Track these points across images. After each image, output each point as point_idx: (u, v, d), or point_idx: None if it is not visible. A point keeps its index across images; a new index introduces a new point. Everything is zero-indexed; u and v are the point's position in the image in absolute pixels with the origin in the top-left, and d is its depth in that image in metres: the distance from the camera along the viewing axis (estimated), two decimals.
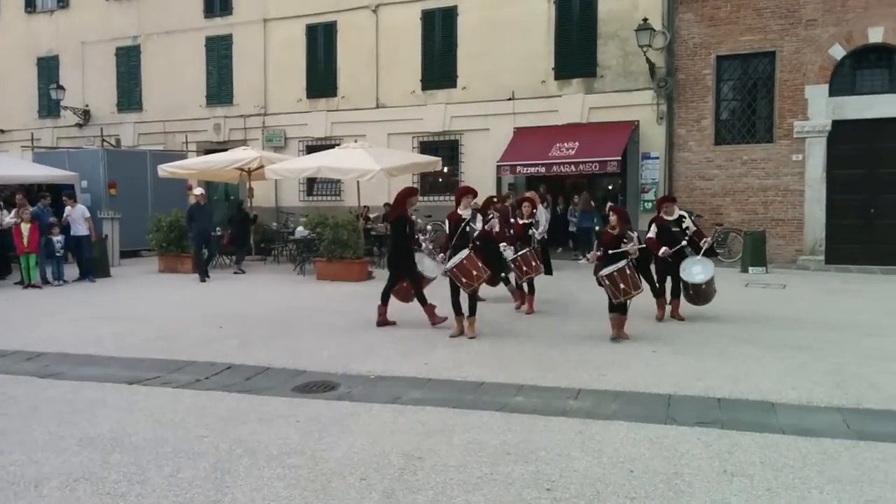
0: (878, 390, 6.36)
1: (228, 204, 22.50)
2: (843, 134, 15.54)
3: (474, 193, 9.05)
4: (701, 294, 9.48)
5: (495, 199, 11.23)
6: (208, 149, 21.79)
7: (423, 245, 10.19)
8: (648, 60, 16.48)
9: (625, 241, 8.15)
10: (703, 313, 9.78)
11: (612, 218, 8.33)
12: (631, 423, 5.53)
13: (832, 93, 15.62)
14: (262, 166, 17.17)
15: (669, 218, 9.68)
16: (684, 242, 9.48)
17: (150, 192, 19.40)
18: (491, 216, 9.86)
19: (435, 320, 9.25)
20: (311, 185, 21.41)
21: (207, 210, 15.22)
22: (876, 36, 15.14)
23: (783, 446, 5.06)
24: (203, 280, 14.29)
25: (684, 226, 9.70)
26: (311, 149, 20.50)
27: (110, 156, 19.37)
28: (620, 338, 8.33)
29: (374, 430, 5.43)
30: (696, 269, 9.41)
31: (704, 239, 9.76)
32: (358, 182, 15.92)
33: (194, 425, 5.57)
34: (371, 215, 17.91)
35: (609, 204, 17.28)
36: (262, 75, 21.79)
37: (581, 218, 17.32)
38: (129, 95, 23.95)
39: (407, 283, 9.49)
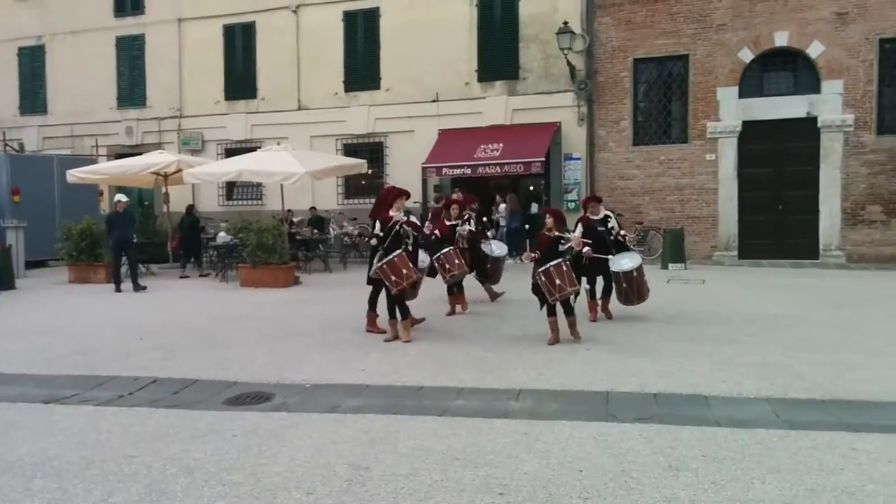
0: (802, 380, 6.61)
1: (142, 210, 21.67)
2: (752, 134, 16.25)
3: (407, 195, 8.95)
4: (634, 286, 9.58)
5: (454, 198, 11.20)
6: (120, 153, 20.93)
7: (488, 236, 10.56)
8: (569, 63, 16.78)
9: (562, 242, 8.17)
10: (632, 312, 9.97)
11: (549, 220, 8.34)
12: (574, 423, 5.55)
13: (742, 94, 16.32)
14: (179, 170, 16.57)
15: (595, 217, 9.83)
16: (612, 253, 9.62)
17: (58, 198, 18.42)
18: (467, 216, 10.11)
19: (373, 328, 9.05)
20: (231, 188, 20.84)
21: (128, 218, 14.49)
22: (781, 40, 15.89)
23: (721, 439, 5.17)
24: (118, 290, 13.61)
25: (609, 225, 9.89)
26: (231, 152, 19.99)
27: (13, 161, 18.29)
28: (574, 338, 8.29)
29: (316, 440, 5.26)
30: (623, 261, 9.59)
31: (620, 232, 9.96)
32: (282, 185, 15.55)
33: (122, 445, 5.25)
34: (295, 219, 17.56)
35: (535, 206, 17.61)
36: (178, 76, 21.11)
37: (510, 218, 17.44)
38: (33, 97, 22.77)
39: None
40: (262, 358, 7.89)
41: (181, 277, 15.65)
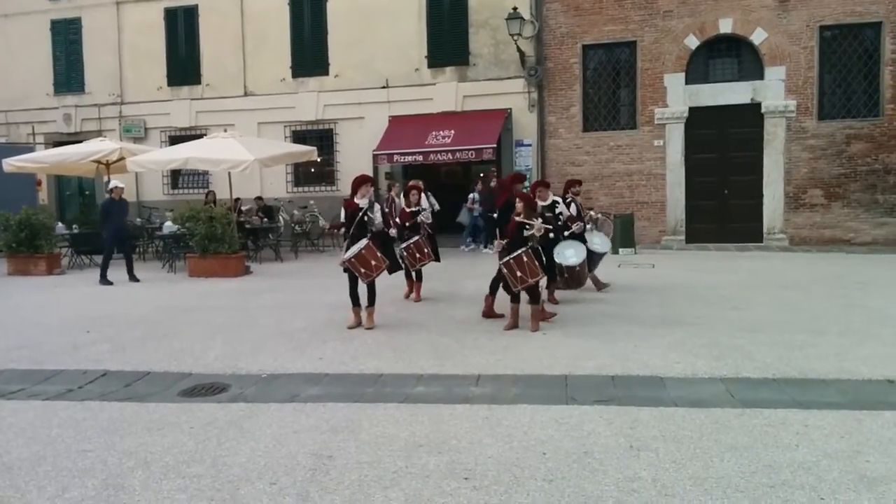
0: (752, 360, 6.78)
1: (82, 199, 21.03)
2: (698, 120, 16.56)
3: (372, 182, 8.85)
4: (575, 277, 9.68)
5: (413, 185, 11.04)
6: (58, 141, 20.22)
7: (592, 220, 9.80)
8: (519, 49, 16.80)
9: (526, 227, 8.17)
10: (585, 295, 10.09)
11: (519, 205, 8.32)
12: (535, 406, 5.59)
13: (688, 81, 16.60)
14: (122, 158, 16.07)
15: (543, 203, 9.82)
16: (561, 238, 9.59)
17: None
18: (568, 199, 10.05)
19: (490, 314, 8.86)
20: (176, 177, 20.35)
21: (124, 207, 13.84)
22: (726, 27, 16.21)
23: (679, 418, 5.27)
24: (106, 283, 12.83)
25: (557, 211, 9.91)
26: (175, 139, 19.49)
27: None
28: (533, 329, 8.23)
29: (276, 430, 5.18)
30: (568, 253, 9.60)
31: (577, 224, 9.99)
32: (229, 173, 15.22)
33: (74, 439, 5.08)
34: (243, 207, 17.23)
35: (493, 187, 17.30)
36: (117, 62, 20.46)
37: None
38: None
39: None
40: (216, 349, 7.73)
41: None
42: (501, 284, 8.46)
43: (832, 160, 15.95)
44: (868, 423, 5.06)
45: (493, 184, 16.35)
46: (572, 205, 10.56)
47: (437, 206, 11.62)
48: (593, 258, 10.74)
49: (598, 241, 10.82)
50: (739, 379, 6.25)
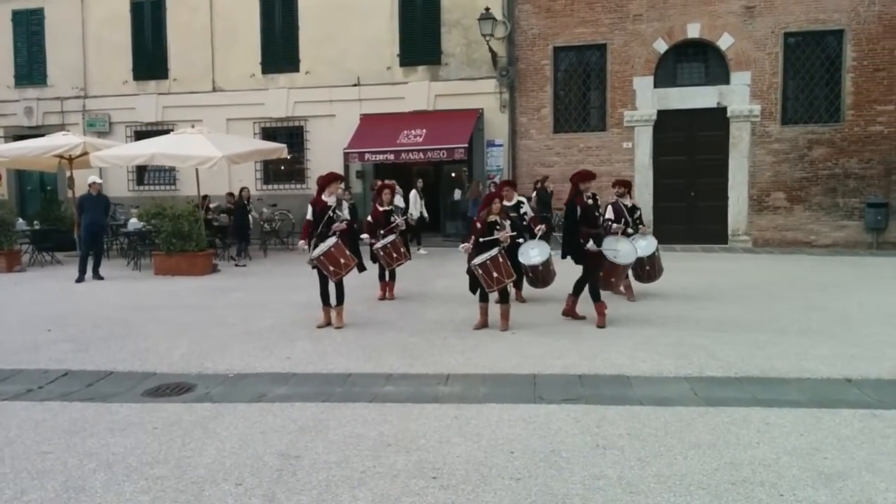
0: (716, 359, 6.89)
1: (44, 195, 20.61)
2: (666, 123, 16.76)
3: (341, 180, 8.80)
4: (540, 276, 9.71)
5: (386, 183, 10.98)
6: (18, 134, 19.80)
7: (612, 227, 9.22)
8: (491, 49, 16.85)
9: (497, 228, 8.18)
10: (552, 295, 10.12)
11: (496, 205, 8.26)
12: (503, 405, 5.62)
13: (657, 84, 16.77)
14: (86, 153, 15.75)
15: (508, 203, 9.83)
16: (525, 238, 9.55)
17: None
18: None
19: (600, 321, 8.54)
20: (142, 173, 20.05)
21: (102, 203, 13.53)
22: (694, 31, 16.43)
23: (644, 417, 5.33)
24: (80, 280, 12.67)
25: (522, 211, 9.97)
26: (141, 135, 19.19)
27: None
28: (504, 328, 8.26)
29: (242, 431, 5.13)
30: (532, 252, 9.59)
31: (539, 227, 9.97)
32: (197, 170, 15.02)
33: (34, 441, 4.98)
34: (212, 205, 17.01)
35: (458, 192, 17.45)
36: (81, 54, 20.04)
37: (472, 206, 17.22)
38: None
39: (605, 271, 8.85)
40: (182, 348, 7.64)
41: (237, 266, 14.75)
42: (469, 283, 8.46)
43: (795, 164, 16.25)
44: (826, 421, 5.17)
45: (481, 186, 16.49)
46: (609, 208, 10.15)
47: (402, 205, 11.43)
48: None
49: (645, 244, 10.15)
50: (704, 378, 6.36)
